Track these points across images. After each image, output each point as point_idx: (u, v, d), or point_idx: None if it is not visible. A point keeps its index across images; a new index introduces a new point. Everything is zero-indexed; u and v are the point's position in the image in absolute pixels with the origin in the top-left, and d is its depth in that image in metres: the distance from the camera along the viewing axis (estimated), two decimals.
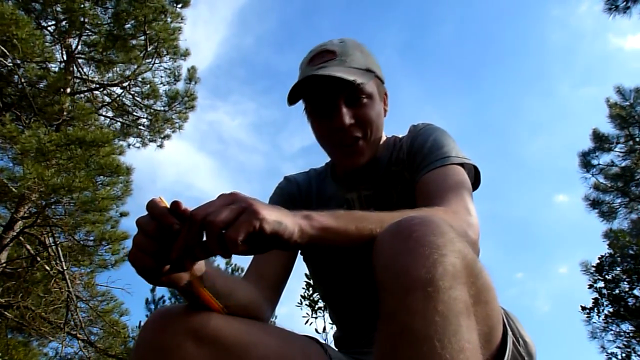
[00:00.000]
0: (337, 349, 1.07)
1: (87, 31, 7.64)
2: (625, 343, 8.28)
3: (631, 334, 8.24)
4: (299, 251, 1.10)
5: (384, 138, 1.12)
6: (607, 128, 9.86)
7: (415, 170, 0.99)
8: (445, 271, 0.57)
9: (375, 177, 1.08)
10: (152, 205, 0.64)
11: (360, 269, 0.88)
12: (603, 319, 8.47)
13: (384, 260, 0.62)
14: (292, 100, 1.00)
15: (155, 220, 0.63)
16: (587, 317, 8.66)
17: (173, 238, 0.62)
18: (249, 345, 0.78)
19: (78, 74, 7.81)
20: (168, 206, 0.64)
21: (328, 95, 0.98)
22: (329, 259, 1.09)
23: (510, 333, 0.79)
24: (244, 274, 1.03)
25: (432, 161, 0.96)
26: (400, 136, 1.13)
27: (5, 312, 6.45)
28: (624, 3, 7.19)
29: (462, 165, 0.98)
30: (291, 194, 1.17)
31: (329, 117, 0.99)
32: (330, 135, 1.01)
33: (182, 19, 7.87)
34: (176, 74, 8.13)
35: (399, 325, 0.55)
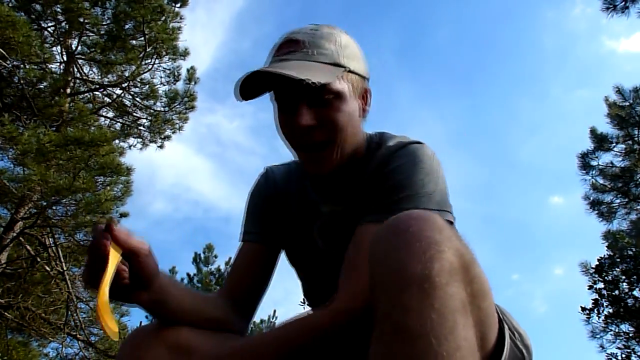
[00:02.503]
0: None
1: (86, 32, 7.64)
2: (625, 343, 8.29)
3: (631, 335, 8.24)
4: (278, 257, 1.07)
5: (362, 141, 0.95)
6: (604, 129, 9.86)
7: (371, 200, 0.84)
8: (442, 267, 0.55)
9: (348, 189, 0.93)
10: (93, 229, 0.78)
11: (336, 268, 0.86)
12: (603, 320, 8.48)
13: (378, 255, 0.60)
14: (247, 93, 0.86)
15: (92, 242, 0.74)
16: (587, 317, 8.67)
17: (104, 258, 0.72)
18: (223, 356, 0.80)
19: (78, 75, 7.82)
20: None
21: (287, 92, 0.85)
22: (305, 261, 1.04)
23: (506, 327, 0.79)
24: (219, 289, 1.03)
25: (381, 210, 0.80)
26: (380, 138, 0.96)
27: (6, 313, 6.45)
28: (622, 3, 7.18)
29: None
30: (268, 196, 1.05)
31: (292, 113, 0.85)
32: (292, 135, 0.87)
33: (181, 18, 7.88)
34: (176, 74, 8.14)
35: (393, 323, 0.54)
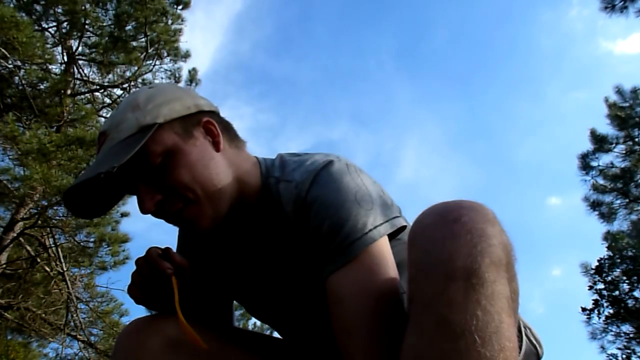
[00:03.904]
0: None
1: (88, 33, 7.65)
2: (626, 344, 8.29)
3: (631, 335, 8.24)
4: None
5: (244, 174, 0.82)
6: (603, 130, 9.86)
7: (317, 255, 0.74)
8: (491, 263, 0.53)
9: (258, 240, 0.84)
10: (148, 254, 0.76)
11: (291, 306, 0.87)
12: (603, 320, 8.48)
13: (423, 242, 0.57)
14: (99, 207, 0.80)
15: (150, 266, 0.75)
16: (587, 318, 8.67)
17: (164, 279, 0.74)
18: (224, 350, 0.81)
19: (79, 76, 7.82)
20: (160, 252, 0.78)
21: (121, 180, 0.76)
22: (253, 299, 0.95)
23: (521, 323, 0.79)
24: None
25: (332, 257, 0.70)
26: (281, 167, 0.83)
27: (6, 313, 6.44)
28: (621, 2, 7.16)
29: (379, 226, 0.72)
30: (189, 252, 0.96)
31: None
32: (155, 216, 0.78)
33: (182, 20, 7.89)
34: (177, 75, 8.14)
35: (435, 316, 0.52)
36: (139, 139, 0.71)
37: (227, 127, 0.85)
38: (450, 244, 0.54)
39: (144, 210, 0.73)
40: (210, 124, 0.80)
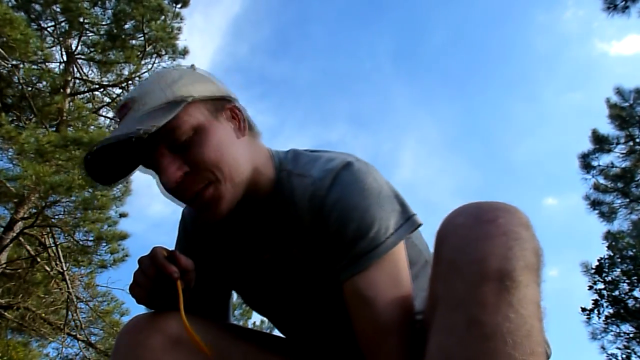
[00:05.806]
0: None
1: (86, 31, 7.64)
2: (626, 344, 8.28)
3: (631, 335, 8.24)
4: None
5: (260, 162, 0.81)
6: (602, 130, 9.84)
7: (334, 258, 0.73)
8: (525, 266, 0.53)
9: (268, 233, 0.83)
10: (154, 255, 0.73)
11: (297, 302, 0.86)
12: (603, 320, 8.48)
13: (457, 241, 0.57)
14: (110, 175, 0.77)
15: (156, 268, 0.72)
16: (587, 318, 8.66)
17: (169, 281, 0.72)
18: (227, 349, 0.80)
19: (78, 75, 7.81)
20: (165, 254, 0.75)
21: (143, 149, 0.73)
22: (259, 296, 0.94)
23: None
24: None
25: (356, 259, 0.70)
26: (294, 162, 0.83)
27: (6, 313, 6.44)
28: (623, 2, 7.14)
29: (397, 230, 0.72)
30: (192, 245, 0.94)
31: (162, 172, 0.74)
32: (174, 194, 0.75)
33: (181, 18, 7.88)
34: None
35: (466, 315, 0.52)
36: (172, 108, 0.70)
37: (246, 117, 0.85)
38: (485, 245, 0.54)
39: (170, 179, 0.71)
40: (235, 110, 0.81)
